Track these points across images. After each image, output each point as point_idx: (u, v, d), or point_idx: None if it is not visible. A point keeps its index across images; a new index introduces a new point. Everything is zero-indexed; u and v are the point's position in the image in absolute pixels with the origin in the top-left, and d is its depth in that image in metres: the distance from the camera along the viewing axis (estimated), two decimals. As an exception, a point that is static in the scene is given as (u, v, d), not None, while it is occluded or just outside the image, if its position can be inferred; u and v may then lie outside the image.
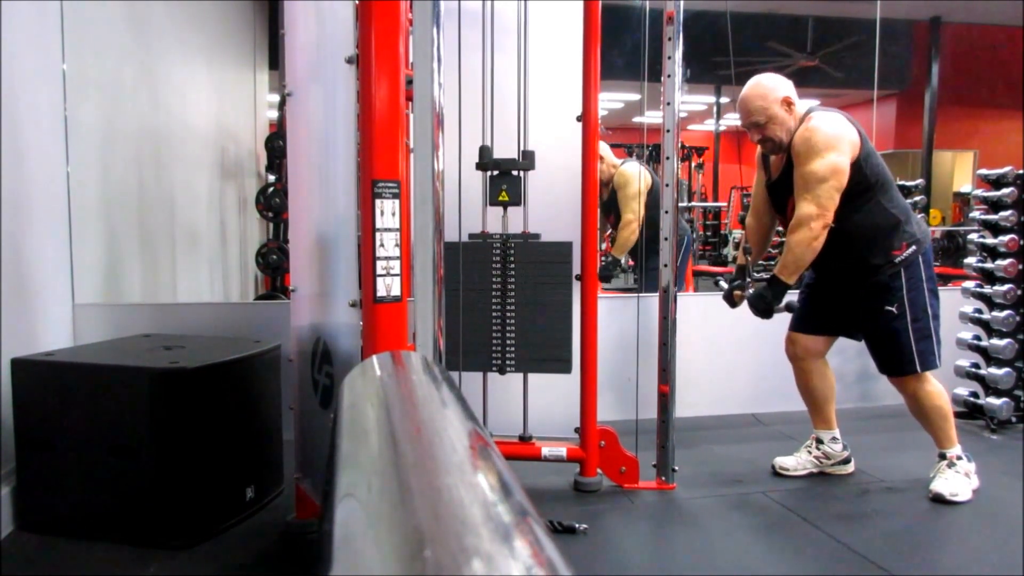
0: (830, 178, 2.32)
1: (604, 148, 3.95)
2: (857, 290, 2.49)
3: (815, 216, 2.33)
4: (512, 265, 2.53)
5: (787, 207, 2.51)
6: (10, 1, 2.28)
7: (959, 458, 2.50)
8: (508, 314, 2.53)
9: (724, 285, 2.70)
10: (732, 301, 2.65)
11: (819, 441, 2.71)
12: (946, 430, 2.49)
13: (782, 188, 2.51)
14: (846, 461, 2.72)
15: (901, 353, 2.43)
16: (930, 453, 2.54)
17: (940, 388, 2.49)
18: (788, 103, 2.43)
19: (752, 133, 2.48)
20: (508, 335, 2.54)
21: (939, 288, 2.53)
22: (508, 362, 2.55)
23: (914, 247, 2.42)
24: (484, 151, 2.50)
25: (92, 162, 2.98)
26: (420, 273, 1.84)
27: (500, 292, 2.54)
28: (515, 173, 2.50)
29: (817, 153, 2.33)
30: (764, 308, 2.48)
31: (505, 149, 2.54)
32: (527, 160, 2.49)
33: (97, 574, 1.96)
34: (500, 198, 2.49)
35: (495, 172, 2.50)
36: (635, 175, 3.80)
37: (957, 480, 2.46)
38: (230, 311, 3.39)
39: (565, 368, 2.54)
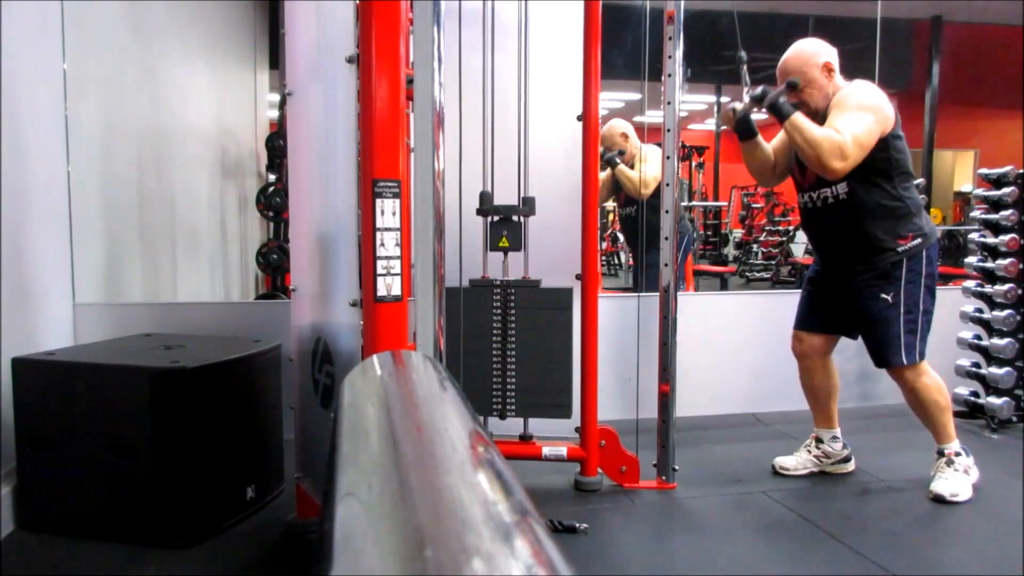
0: (866, 139, 2.30)
1: (630, 128, 3.95)
2: (858, 274, 2.47)
3: (842, 153, 2.27)
4: (512, 311, 2.55)
5: (808, 170, 2.47)
6: (10, 1, 2.28)
7: (957, 454, 2.49)
8: (509, 359, 2.56)
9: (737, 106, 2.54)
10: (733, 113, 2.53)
11: (819, 440, 2.71)
12: (944, 424, 2.49)
13: None
14: (846, 460, 2.72)
15: (888, 342, 2.43)
16: (928, 452, 2.54)
17: (939, 382, 2.48)
18: (828, 69, 2.43)
19: (789, 97, 2.43)
20: (508, 380, 2.56)
21: (940, 288, 2.53)
22: (508, 407, 2.57)
23: (920, 240, 2.42)
24: (484, 197, 2.52)
25: (93, 161, 2.98)
26: (420, 273, 1.84)
27: (500, 337, 2.56)
28: (515, 219, 2.51)
29: (857, 107, 2.32)
30: (760, 96, 2.41)
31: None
32: (527, 206, 2.51)
33: (97, 574, 1.96)
34: (500, 244, 2.51)
35: (495, 218, 2.52)
36: (658, 153, 3.82)
37: (957, 479, 2.46)
38: (230, 311, 3.39)
39: (565, 413, 2.55)
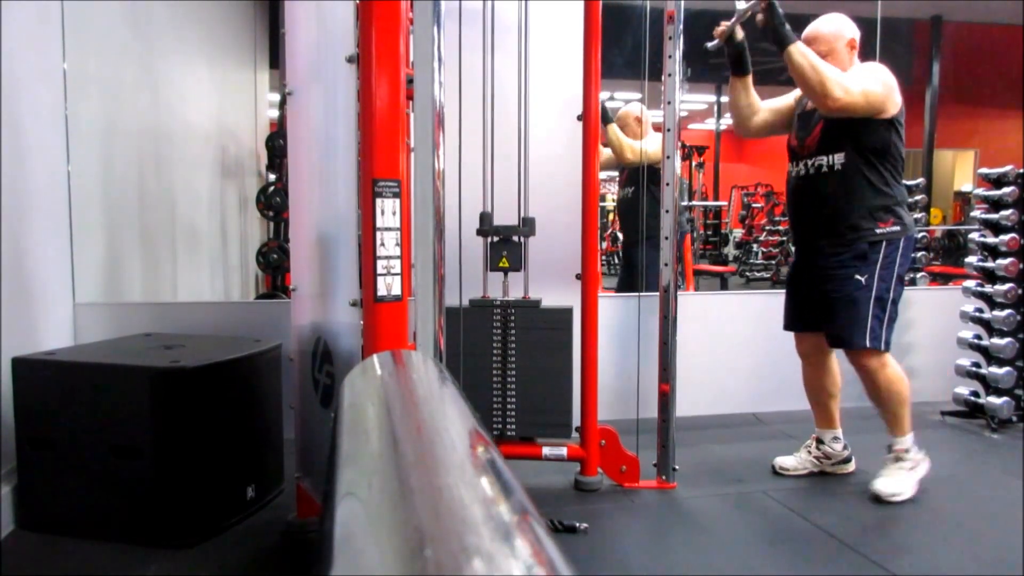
0: (872, 95, 2.33)
1: (647, 114, 3.96)
2: (833, 254, 2.45)
3: (847, 89, 2.30)
4: (512, 331, 2.55)
5: (807, 138, 2.48)
6: (10, 1, 2.28)
7: (907, 450, 2.49)
8: (509, 379, 2.56)
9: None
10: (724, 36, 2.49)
11: (819, 441, 2.71)
12: (902, 416, 2.48)
13: (811, 119, 2.49)
14: (847, 460, 2.72)
15: (855, 323, 2.41)
16: (928, 452, 2.54)
17: (902, 374, 2.48)
18: (852, 46, 2.47)
19: None
20: (509, 399, 2.56)
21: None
22: (508, 426, 2.57)
23: (899, 228, 2.43)
24: (484, 218, 2.53)
25: (93, 161, 2.98)
26: (421, 272, 1.84)
27: (501, 357, 2.56)
28: (515, 239, 2.52)
29: (875, 78, 2.37)
30: (770, 6, 2.37)
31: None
32: (527, 227, 2.52)
33: (98, 573, 1.96)
34: (501, 264, 2.52)
35: (496, 238, 2.53)
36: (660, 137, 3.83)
37: (900, 477, 2.46)
38: (231, 310, 3.39)
39: (566, 433, 2.56)
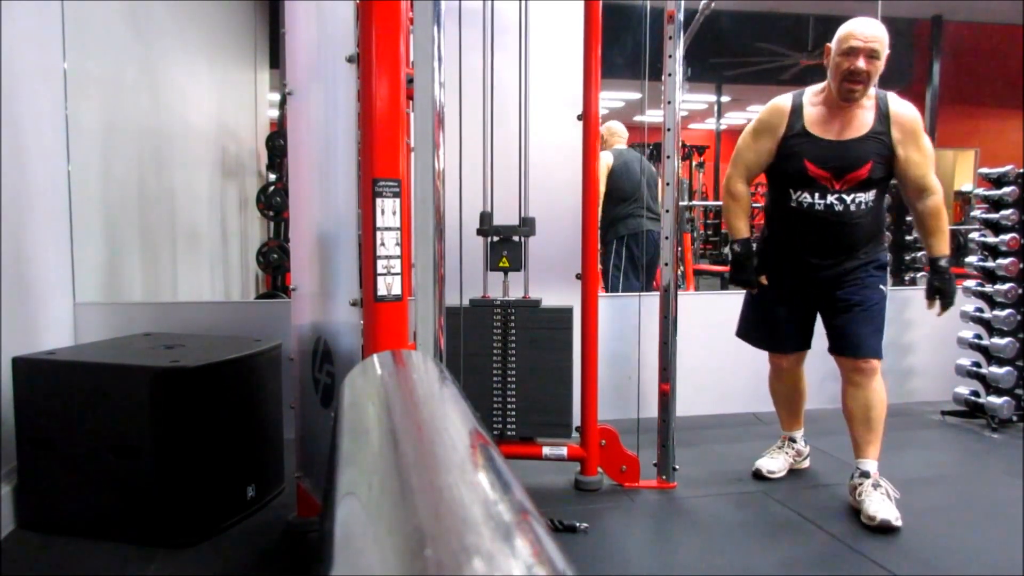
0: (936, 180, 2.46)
1: (614, 134, 3.95)
2: (858, 266, 2.44)
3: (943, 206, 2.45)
4: (513, 330, 2.55)
5: (850, 173, 2.36)
6: (10, 1, 2.28)
7: (880, 476, 2.40)
8: (509, 379, 2.56)
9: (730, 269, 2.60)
10: (758, 283, 2.56)
11: (791, 440, 2.76)
12: (880, 432, 2.43)
13: (847, 153, 2.37)
14: (808, 455, 2.81)
15: (876, 332, 2.43)
16: (928, 452, 2.55)
17: None
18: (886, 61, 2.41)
19: (859, 59, 2.27)
20: (509, 399, 2.56)
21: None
22: (508, 426, 2.57)
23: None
24: (484, 217, 2.53)
25: (93, 161, 2.98)
26: (421, 272, 1.84)
27: (501, 357, 2.56)
28: (515, 239, 2.52)
29: (932, 160, 2.45)
30: (952, 290, 2.49)
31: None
32: (527, 226, 2.52)
33: (98, 573, 1.96)
34: (501, 264, 2.53)
35: (496, 238, 2.53)
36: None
37: (889, 504, 2.31)
38: (231, 310, 3.39)
39: (566, 433, 2.56)
